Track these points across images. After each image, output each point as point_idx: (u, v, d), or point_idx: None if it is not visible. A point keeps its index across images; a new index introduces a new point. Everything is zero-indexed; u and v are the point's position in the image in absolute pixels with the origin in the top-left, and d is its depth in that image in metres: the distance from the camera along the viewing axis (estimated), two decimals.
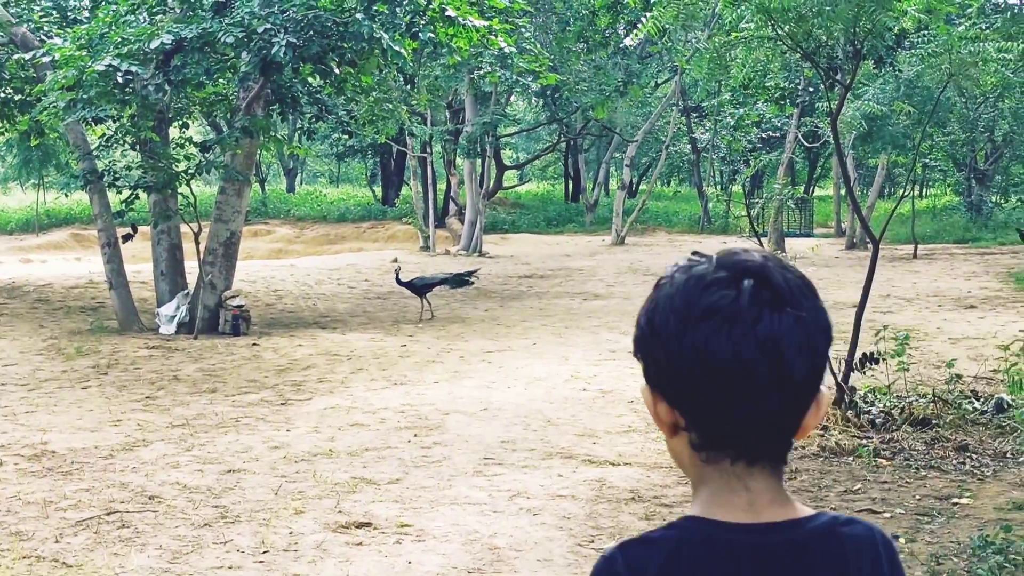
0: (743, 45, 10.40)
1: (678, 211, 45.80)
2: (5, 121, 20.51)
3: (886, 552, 1.68)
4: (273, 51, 13.65)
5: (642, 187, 48.17)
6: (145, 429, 9.55)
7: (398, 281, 18.00)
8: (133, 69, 13.57)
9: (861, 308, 10.14)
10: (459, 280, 18.68)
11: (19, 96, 19.61)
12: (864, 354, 9.68)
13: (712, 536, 1.62)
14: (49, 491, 7.53)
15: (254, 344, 14.65)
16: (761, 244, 10.45)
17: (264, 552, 6.28)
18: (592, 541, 6.44)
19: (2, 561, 6.10)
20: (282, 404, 10.73)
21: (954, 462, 8.16)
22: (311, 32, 14.12)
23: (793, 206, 38.03)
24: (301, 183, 63.35)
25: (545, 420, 9.82)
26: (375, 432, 9.39)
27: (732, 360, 1.55)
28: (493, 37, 15.27)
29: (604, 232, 38.40)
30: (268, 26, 13.80)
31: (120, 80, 13.74)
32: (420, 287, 17.95)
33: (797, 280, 1.61)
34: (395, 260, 18.64)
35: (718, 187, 46.06)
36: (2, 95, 19.90)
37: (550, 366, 12.51)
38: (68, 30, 15.67)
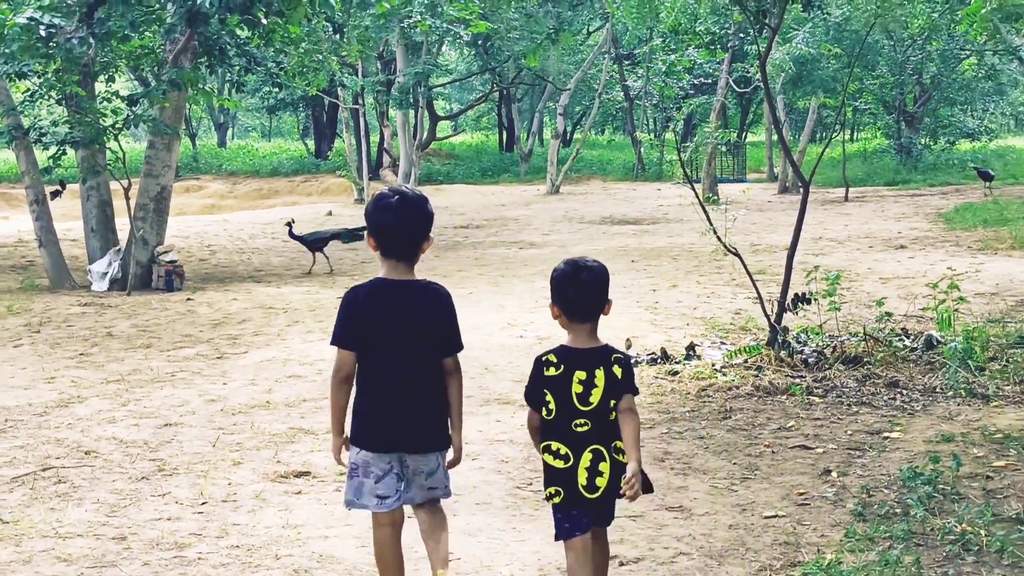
0: None
1: (612, 159, 45.89)
2: None
3: (448, 300, 4.44)
4: (199, 1, 13.45)
5: (576, 136, 48.21)
6: (80, 386, 9.47)
7: (291, 235, 18.05)
8: (56, 22, 13.32)
9: (792, 250, 10.24)
10: (352, 235, 18.50)
11: None
12: (796, 295, 9.80)
13: (382, 281, 4.36)
14: None
15: (188, 299, 14.54)
16: (694, 190, 10.52)
17: (203, 503, 6.27)
18: (530, 484, 6.49)
19: None
20: (218, 358, 10.67)
21: (885, 398, 8.31)
22: None
23: (725, 151, 38.26)
24: (232, 137, 62.75)
25: (483, 367, 9.87)
26: (312, 383, 9.38)
27: (388, 223, 4.33)
28: None
29: (539, 182, 38.40)
30: None
31: (43, 33, 13.48)
32: (312, 242, 17.99)
33: (419, 195, 4.40)
34: (292, 221, 18.53)
35: (651, 134, 46.19)
36: None
37: (487, 314, 12.53)
38: None
